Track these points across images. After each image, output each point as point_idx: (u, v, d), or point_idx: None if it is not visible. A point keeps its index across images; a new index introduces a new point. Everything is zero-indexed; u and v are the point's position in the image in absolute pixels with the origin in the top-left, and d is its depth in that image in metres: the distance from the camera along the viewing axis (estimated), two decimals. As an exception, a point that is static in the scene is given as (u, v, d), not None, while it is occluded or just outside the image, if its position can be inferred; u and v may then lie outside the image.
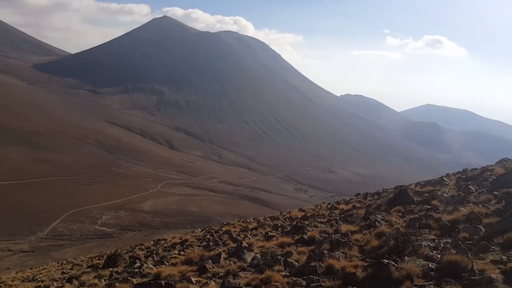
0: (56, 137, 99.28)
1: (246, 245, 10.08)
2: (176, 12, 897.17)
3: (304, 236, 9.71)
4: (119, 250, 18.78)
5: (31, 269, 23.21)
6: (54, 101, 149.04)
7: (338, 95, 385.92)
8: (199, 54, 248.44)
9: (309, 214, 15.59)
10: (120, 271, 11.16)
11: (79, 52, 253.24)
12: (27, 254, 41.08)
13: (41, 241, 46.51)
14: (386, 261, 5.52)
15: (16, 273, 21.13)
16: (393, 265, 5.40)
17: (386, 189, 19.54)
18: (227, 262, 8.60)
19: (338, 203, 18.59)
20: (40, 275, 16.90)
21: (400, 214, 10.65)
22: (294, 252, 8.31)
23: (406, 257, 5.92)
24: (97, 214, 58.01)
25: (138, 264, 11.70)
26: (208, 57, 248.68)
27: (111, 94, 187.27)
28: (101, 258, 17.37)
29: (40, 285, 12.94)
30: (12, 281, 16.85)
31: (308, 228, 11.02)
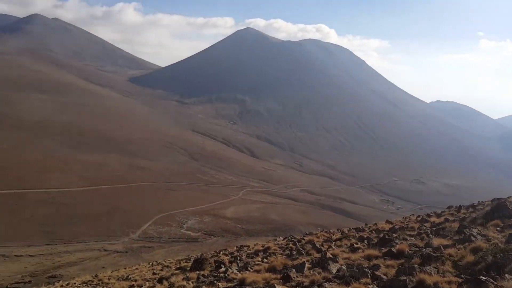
0: (148, 145, 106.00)
1: (331, 256, 9.73)
2: (259, 23, 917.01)
3: (393, 249, 9.14)
4: (204, 254, 19.36)
5: (124, 268, 24.79)
6: (146, 111, 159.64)
7: (428, 101, 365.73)
8: (280, 63, 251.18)
9: (397, 227, 14.75)
10: (206, 274, 11.37)
11: (168, 65, 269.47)
12: (121, 254, 43.99)
13: (133, 242, 49.66)
14: (484, 278, 5.01)
15: (111, 272, 22.69)
16: (492, 283, 4.87)
17: (482, 201, 17.98)
18: (311, 272, 8.34)
19: (428, 215, 17.42)
20: (133, 275, 17.93)
21: (498, 228, 9.66)
22: (381, 265, 7.83)
23: (506, 275, 5.35)
24: (183, 218, 60.62)
25: (223, 269, 11.85)
26: (290, 66, 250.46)
27: (197, 104, 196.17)
28: (188, 261, 17.98)
29: (133, 284, 13.72)
30: (108, 279, 18.13)
31: (397, 241, 10.38)
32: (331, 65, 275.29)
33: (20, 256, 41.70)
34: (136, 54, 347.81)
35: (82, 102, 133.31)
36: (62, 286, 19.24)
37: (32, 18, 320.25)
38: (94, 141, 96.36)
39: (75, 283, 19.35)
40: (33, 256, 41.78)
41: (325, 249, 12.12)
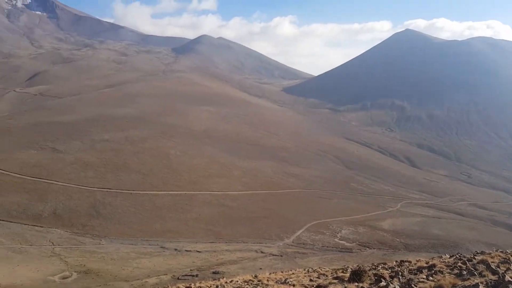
0: (301, 153, 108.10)
1: (510, 280, 8.40)
2: (419, 24, 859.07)
3: None
4: (362, 266, 18.39)
5: (281, 272, 25.12)
6: (299, 120, 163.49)
7: None
8: (444, 65, 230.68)
9: None
10: (365, 287, 10.94)
11: (322, 74, 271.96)
12: (276, 257, 45.23)
13: (288, 247, 50.67)
14: None
15: (269, 274, 23.21)
16: None
17: None
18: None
19: None
20: (290, 279, 17.94)
21: None
22: None
23: None
24: (337, 227, 59.61)
25: (383, 284, 11.24)
26: (455, 67, 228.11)
27: (350, 111, 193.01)
28: (345, 272, 17.31)
29: (292, 288, 13.66)
30: (267, 281, 18.53)
31: None
32: (506, 64, 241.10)
33: (189, 251, 46.06)
34: (290, 65, 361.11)
35: (241, 112, 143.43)
36: (226, 282, 20.48)
37: (201, 39, 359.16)
38: (251, 148, 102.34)
39: (237, 281, 20.35)
40: (200, 252, 45.77)
41: (503, 271, 10.61)
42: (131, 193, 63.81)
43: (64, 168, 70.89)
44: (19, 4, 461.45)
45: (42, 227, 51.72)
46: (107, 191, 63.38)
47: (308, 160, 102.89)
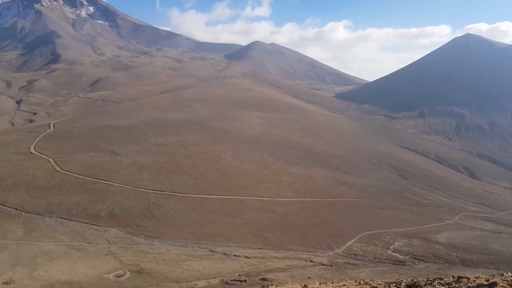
0: (353, 160, 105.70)
1: None
2: (481, 28, 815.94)
3: None
4: (417, 281, 17.49)
5: (332, 283, 24.48)
6: (352, 126, 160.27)
7: None
8: (508, 71, 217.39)
9: None
10: None
11: (376, 80, 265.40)
12: (325, 267, 44.28)
13: (338, 257, 49.49)
14: None
15: (319, 284, 22.70)
16: None
17: None
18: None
19: None
20: (340, 291, 17.43)
21: None
22: None
23: None
24: (390, 239, 57.52)
25: None
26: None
27: (406, 118, 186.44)
28: (398, 285, 16.57)
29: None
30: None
31: None
32: None
33: (238, 256, 46.22)
34: (343, 70, 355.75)
35: (292, 118, 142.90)
36: (274, 290, 20.24)
37: (253, 45, 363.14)
38: (302, 154, 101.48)
39: (286, 289, 20.06)
40: (248, 257, 45.78)
41: None
42: (183, 196, 65.24)
43: (121, 170, 73.86)
44: (83, 14, 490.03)
45: (99, 226, 54.06)
46: (160, 193, 65.22)
47: (361, 168, 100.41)
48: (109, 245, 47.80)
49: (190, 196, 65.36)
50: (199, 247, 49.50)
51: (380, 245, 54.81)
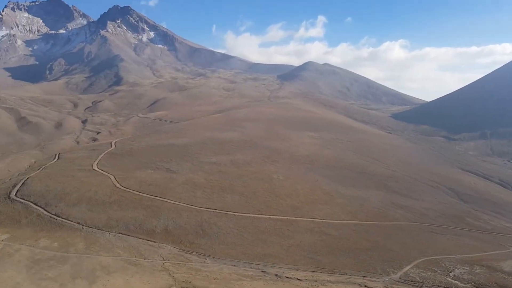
0: (410, 182, 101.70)
1: None
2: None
3: None
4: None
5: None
6: (409, 148, 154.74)
7: None
8: None
9: None
10: None
11: (434, 100, 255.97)
12: (381, 293, 42.56)
13: (394, 283, 47.35)
14: None
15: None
16: None
17: None
18: None
19: None
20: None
21: None
22: None
23: None
24: (450, 265, 54.30)
25: None
26: None
27: (467, 140, 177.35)
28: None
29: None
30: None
31: None
32: None
33: (290, 278, 45.56)
34: (400, 90, 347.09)
35: (346, 138, 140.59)
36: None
37: (306, 65, 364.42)
38: (357, 176, 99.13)
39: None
40: (300, 280, 45.01)
41: None
42: (234, 214, 65.70)
43: (176, 188, 75.87)
44: (144, 39, 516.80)
45: (154, 242, 55.58)
46: (213, 211, 66.12)
47: (419, 191, 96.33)
48: (163, 261, 48.92)
49: (242, 215, 65.69)
50: (251, 267, 49.39)
51: (439, 271, 51.90)
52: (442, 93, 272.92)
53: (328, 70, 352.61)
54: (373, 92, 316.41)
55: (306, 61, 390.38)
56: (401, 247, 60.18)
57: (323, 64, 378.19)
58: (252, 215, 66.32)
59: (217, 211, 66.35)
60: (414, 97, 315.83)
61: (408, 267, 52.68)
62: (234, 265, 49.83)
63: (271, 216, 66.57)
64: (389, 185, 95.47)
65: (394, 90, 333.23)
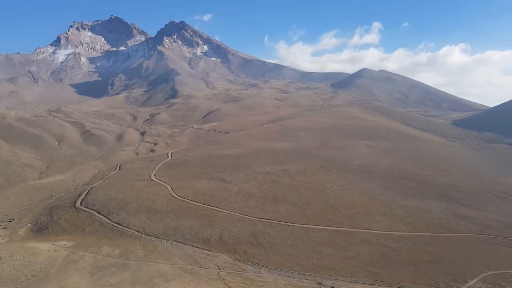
0: (474, 192, 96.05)
1: None
2: None
3: None
4: None
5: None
6: (472, 156, 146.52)
7: None
8: None
9: None
10: None
11: (499, 105, 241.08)
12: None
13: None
14: None
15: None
16: None
17: None
18: None
19: None
20: None
21: None
22: None
23: None
24: (522, 282, 50.37)
25: None
26: None
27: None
28: None
29: None
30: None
31: None
32: None
33: (347, 291, 44.17)
34: (461, 95, 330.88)
35: (404, 147, 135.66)
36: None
37: (361, 73, 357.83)
38: (415, 185, 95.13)
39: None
40: (357, 293, 43.53)
41: None
42: (288, 225, 65.07)
43: (230, 197, 76.58)
44: (199, 53, 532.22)
45: (210, 251, 56.22)
46: (266, 221, 65.90)
47: (484, 201, 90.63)
48: (218, 270, 49.28)
49: (295, 226, 64.93)
50: (306, 279, 48.53)
51: (507, 286, 48.27)
52: (507, 98, 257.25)
53: (384, 77, 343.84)
54: (432, 98, 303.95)
55: (360, 68, 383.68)
56: (465, 260, 56.68)
57: (378, 70, 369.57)
58: (307, 225, 65.37)
59: (270, 221, 66.07)
60: (476, 103, 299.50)
61: (473, 281, 49.47)
62: (289, 276, 49.18)
63: (326, 227, 65.24)
64: (450, 195, 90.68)
65: (454, 96, 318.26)
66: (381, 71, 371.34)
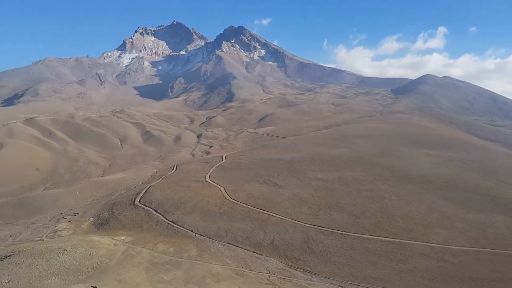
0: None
1: None
2: None
3: None
4: None
5: None
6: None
7: None
8: None
9: None
10: None
11: None
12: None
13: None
14: None
15: None
16: None
17: None
18: None
19: None
20: None
21: None
22: None
23: None
24: None
25: None
26: None
27: None
28: None
29: None
30: None
31: None
32: None
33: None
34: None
35: (468, 157, 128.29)
36: None
37: (424, 78, 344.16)
38: (480, 198, 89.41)
39: None
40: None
41: None
42: (342, 233, 63.47)
43: (282, 202, 76.10)
44: (256, 57, 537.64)
45: (261, 254, 56.06)
46: (319, 228, 64.71)
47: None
48: (269, 275, 48.98)
49: (350, 235, 63.20)
50: (359, 290, 46.96)
51: None
52: None
53: (448, 83, 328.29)
54: (500, 107, 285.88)
55: (423, 74, 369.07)
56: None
57: (442, 77, 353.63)
58: (361, 235, 63.41)
59: (323, 228, 64.80)
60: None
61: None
62: (341, 286, 47.86)
63: (382, 238, 62.90)
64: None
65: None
66: (445, 77, 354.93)
